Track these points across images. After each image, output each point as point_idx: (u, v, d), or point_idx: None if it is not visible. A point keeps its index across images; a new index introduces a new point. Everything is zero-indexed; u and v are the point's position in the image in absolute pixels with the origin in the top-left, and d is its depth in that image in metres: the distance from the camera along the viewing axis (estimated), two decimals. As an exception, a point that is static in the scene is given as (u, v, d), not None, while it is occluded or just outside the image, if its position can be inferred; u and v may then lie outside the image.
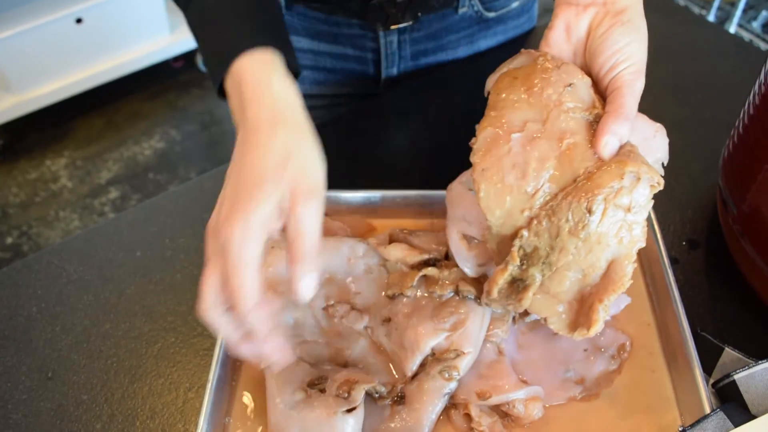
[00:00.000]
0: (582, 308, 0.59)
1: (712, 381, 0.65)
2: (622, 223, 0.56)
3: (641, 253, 0.75)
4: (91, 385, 0.70)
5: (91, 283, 0.79)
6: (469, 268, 0.67)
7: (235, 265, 0.50)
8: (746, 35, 2.47)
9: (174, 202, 0.87)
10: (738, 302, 0.75)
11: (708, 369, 0.67)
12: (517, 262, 0.58)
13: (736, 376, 0.63)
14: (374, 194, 0.80)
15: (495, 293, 0.60)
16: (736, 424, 0.59)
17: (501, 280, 0.59)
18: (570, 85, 0.59)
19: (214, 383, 0.63)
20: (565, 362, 0.68)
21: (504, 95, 0.60)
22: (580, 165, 0.56)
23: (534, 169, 0.56)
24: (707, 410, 0.60)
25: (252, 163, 0.53)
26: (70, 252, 0.82)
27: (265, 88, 0.57)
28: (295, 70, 0.62)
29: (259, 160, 0.53)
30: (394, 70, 1.02)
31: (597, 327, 0.57)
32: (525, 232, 0.57)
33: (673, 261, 0.78)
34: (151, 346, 0.73)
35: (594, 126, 0.58)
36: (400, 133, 0.96)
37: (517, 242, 0.57)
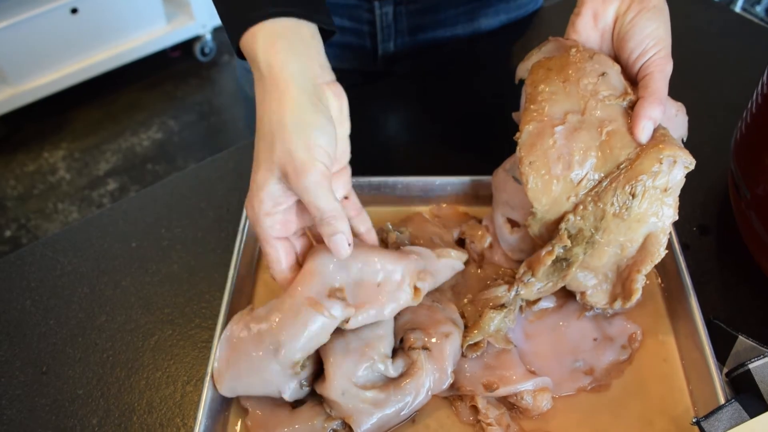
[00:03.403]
0: (618, 281, 0.64)
1: (725, 370, 0.64)
2: (658, 202, 0.60)
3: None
4: (87, 379, 0.68)
5: (86, 275, 0.77)
6: (509, 250, 0.71)
7: (262, 241, 0.61)
8: (749, 18, 2.44)
9: (170, 191, 0.85)
10: (751, 289, 0.73)
11: (721, 358, 0.65)
12: (568, 243, 0.62)
13: (750, 366, 0.61)
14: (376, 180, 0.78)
15: (540, 273, 0.64)
16: (752, 415, 0.57)
17: (549, 260, 0.63)
18: (603, 74, 0.62)
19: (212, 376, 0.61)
20: (574, 352, 0.66)
21: (541, 87, 0.64)
22: (620, 152, 0.60)
23: (578, 159, 0.60)
24: (721, 401, 0.58)
25: (255, 145, 0.60)
26: (65, 243, 0.80)
27: (264, 66, 0.58)
28: (328, 29, 0.62)
29: (257, 143, 0.59)
30: (391, 45, 0.99)
31: (636, 296, 0.63)
32: (571, 217, 0.61)
33: (684, 247, 0.76)
34: (147, 339, 0.71)
35: (628, 111, 0.61)
36: (401, 118, 0.94)
37: (563, 225, 0.62)
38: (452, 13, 0.99)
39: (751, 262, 0.74)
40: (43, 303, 0.74)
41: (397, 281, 0.63)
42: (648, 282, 0.71)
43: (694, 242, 0.77)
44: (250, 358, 0.60)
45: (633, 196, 0.59)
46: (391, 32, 0.98)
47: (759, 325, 0.69)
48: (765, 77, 0.71)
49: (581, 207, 0.61)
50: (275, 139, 0.57)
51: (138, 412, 0.65)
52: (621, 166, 0.60)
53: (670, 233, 0.70)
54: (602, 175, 0.60)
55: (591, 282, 0.65)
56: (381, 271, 0.62)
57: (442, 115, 0.94)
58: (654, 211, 0.60)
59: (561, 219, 0.62)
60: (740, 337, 0.65)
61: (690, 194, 0.81)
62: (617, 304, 0.65)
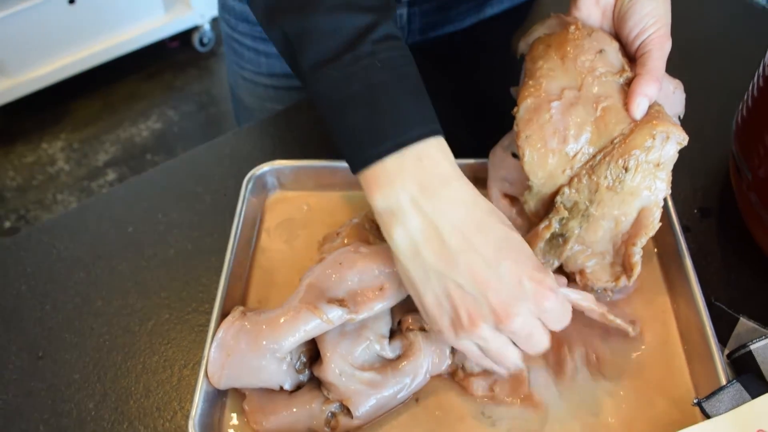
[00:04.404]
0: (617, 258, 0.65)
1: (727, 352, 0.63)
2: (651, 176, 0.61)
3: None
4: (83, 363, 0.68)
5: (82, 260, 0.76)
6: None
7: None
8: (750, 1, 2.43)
9: (167, 176, 0.84)
10: (752, 270, 0.72)
11: (723, 339, 0.64)
12: (565, 213, 0.63)
13: (752, 347, 0.61)
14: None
15: (537, 249, 0.65)
16: (753, 396, 0.57)
17: (547, 234, 0.64)
18: (601, 51, 0.63)
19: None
20: (571, 341, 0.66)
21: (540, 63, 0.65)
22: (615, 127, 0.60)
23: (573, 134, 0.61)
24: (723, 382, 0.58)
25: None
26: (61, 229, 0.79)
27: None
28: None
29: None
30: None
31: (637, 269, 0.63)
32: (566, 189, 0.62)
33: (685, 229, 0.76)
34: (144, 323, 0.70)
35: (624, 88, 0.62)
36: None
37: (558, 198, 0.63)
38: (463, 8, 0.99)
39: (752, 244, 0.73)
40: (39, 288, 0.74)
41: (398, 275, 0.62)
42: (649, 264, 0.71)
43: (695, 224, 0.76)
44: (246, 360, 0.60)
45: (626, 169, 0.60)
46: (404, 33, 0.98)
47: (760, 307, 0.69)
48: (766, 59, 0.70)
49: (576, 180, 0.62)
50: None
51: (135, 396, 0.65)
52: (615, 141, 0.60)
53: (672, 216, 0.70)
54: (597, 149, 0.61)
55: (590, 260, 0.66)
56: (380, 276, 0.62)
57: (444, 100, 0.93)
58: (647, 185, 0.61)
59: (556, 193, 0.63)
60: (741, 318, 0.65)
61: (691, 177, 0.81)
62: (622, 281, 0.65)
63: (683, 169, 0.80)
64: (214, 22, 2.74)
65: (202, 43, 2.75)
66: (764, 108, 0.69)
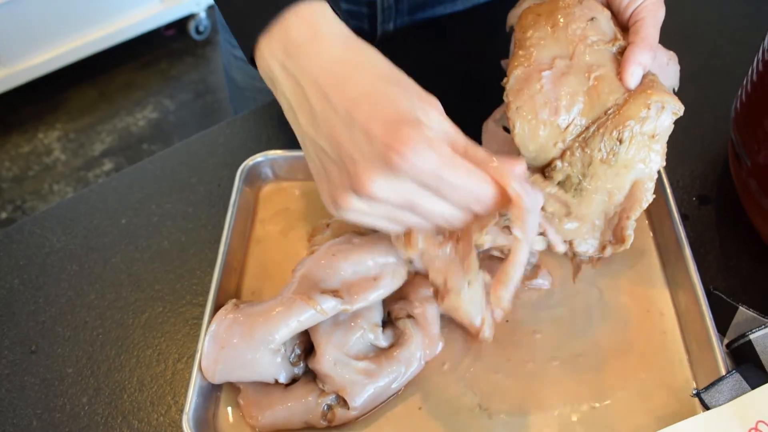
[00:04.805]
0: (607, 228, 0.64)
1: (726, 341, 0.63)
2: (646, 148, 0.59)
3: (650, 210, 0.72)
4: (77, 357, 0.67)
5: (75, 252, 0.75)
6: None
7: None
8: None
9: (160, 166, 0.83)
10: (752, 259, 0.71)
11: (722, 329, 0.64)
12: (555, 189, 0.61)
13: (751, 336, 0.60)
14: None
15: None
16: (753, 386, 0.56)
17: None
18: (592, 19, 0.62)
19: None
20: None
21: (530, 33, 0.63)
22: (608, 97, 0.59)
23: (565, 105, 0.59)
24: (722, 372, 0.57)
25: None
26: (53, 221, 0.78)
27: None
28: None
29: None
30: (390, 26, 0.97)
31: (629, 241, 0.62)
32: (559, 163, 0.61)
33: (684, 217, 0.75)
34: (138, 317, 0.70)
35: (617, 57, 0.60)
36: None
37: (550, 172, 0.61)
38: None
39: (751, 231, 0.73)
40: (31, 281, 0.73)
41: (392, 265, 0.61)
42: (647, 253, 0.70)
43: (693, 212, 0.76)
44: (240, 353, 0.59)
45: (620, 141, 0.58)
46: (392, 13, 0.96)
47: (760, 296, 0.68)
48: (765, 44, 0.69)
49: (569, 153, 0.60)
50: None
51: (128, 390, 0.64)
52: (608, 112, 0.59)
53: (670, 204, 0.69)
54: (589, 120, 0.59)
55: (581, 231, 0.64)
56: (374, 267, 0.61)
57: (439, 87, 0.92)
58: (641, 157, 0.60)
59: (549, 166, 0.62)
60: (741, 307, 0.64)
61: (689, 164, 0.80)
62: (608, 251, 0.64)
63: (681, 156, 0.80)
64: (210, 9, 2.72)
65: (198, 31, 2.73)
66: (763, 94, 0.68)
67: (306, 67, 0.49)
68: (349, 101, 0.47)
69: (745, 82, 0.74)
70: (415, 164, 0.45)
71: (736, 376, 0.56)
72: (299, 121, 0.51)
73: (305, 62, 0.50)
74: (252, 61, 0.54)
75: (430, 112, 0.48)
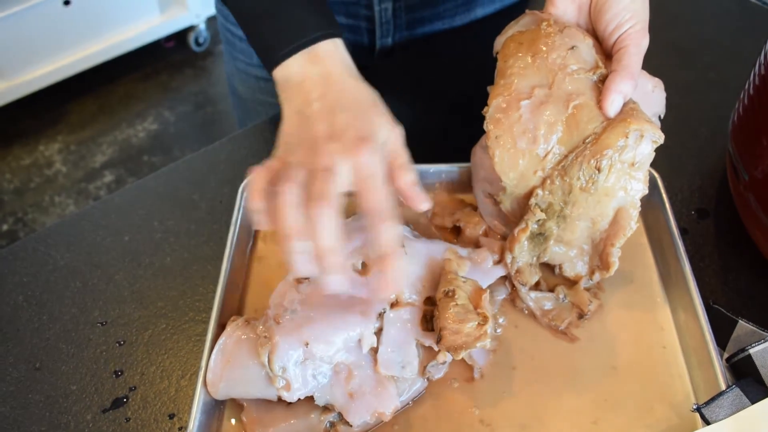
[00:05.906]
0: (595, 253, 0.65)
1: (726, 356, 0.63)
2: (626, 176, 0.60)
3: (649, 225, 0.73)
4: (81, 374, 0.67)
5: (79, 269, 0.76)
6: (496, 222, 0.71)
7: None
8: None
9: (162, 183, 0.84)
10: (751, 273, 0.72)
11: (722, 343, 0.64)
12: (542, 215, 0.62)
13: (751, 350, 0.60)
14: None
15: (516, 251, 0.65)
16: (753, 401, 0.56)
17: (524, 237, 0.64)
18: (573, 47, 0.62)
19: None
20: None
21: (511, 62, 0.64)
22: (586, 126, 0.59)
23: (543, 134, 0.60)
24: (722, 387, 0.58)
25: None
26: (57, 238, 0.79)
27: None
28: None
29: None
30: (389, 40, 0.98)
31: (614, 268, 0.63)
32: (540, 191, 0.62)
33: (683, 231, 0.75)
34: (141, 333, 0.70)
35: (598, 85, 0.61)
36: (394, 107, 0.93)
37: (533, 200, 0.62)
38: (450, 5, 0.98)
39: (750, 245, 0.73)
40: (35, 298, 0.73)
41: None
42: (646, 267, 0.71)
43: (692, 226, 0.76)
44: (246, 370, 0.59)
45: (599, 170, 0.59)
46: (390, 28, 0.97)
47: (759, 310, 0.69)
48: (762, 58, 0.70)
49: (549, 181, 0.61)
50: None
51: (132, 408, 0.65)
52: (587, 140, 0.59)
53: (669, 217, 0.69)
54: (568, 149, 0.60)
55: (567, 255, 0.66)
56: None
57: (435, 102, 0.93)
58: (622, 185, 0.60)
59: (531, 194, 0.63)
60: (740, 321, 0.64)
61: (687, 178, 0.80)
62: (596, 276, 0.66)
63: (680, 170, 0.80)
64: (210, 21, 2.73)
65: (197, 43, 2.74)
66: (761, 107, 0.68)
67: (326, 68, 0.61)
68: (342, 109, 0.58)
69: (741, 95, 0.74)
70: (361, 161, 0.55)
71: (737, 391, 0.57)
72: (299, 99, 0.60)
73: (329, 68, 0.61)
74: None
75: (391, 135, 0.59)
